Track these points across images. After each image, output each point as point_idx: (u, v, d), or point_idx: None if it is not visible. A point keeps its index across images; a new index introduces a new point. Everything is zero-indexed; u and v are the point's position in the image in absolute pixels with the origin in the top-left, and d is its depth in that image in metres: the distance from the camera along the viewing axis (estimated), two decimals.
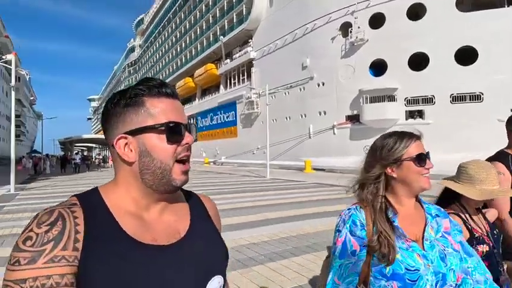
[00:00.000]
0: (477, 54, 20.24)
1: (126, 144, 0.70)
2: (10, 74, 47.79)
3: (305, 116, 28.23)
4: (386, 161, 1.14)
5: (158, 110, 0.70)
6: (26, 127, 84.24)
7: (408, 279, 1.05)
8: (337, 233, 1.14)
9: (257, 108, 34.92)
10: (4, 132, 66.62)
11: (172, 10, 58.63)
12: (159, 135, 0.70)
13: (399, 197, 1.17)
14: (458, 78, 20.41)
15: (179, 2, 55.17)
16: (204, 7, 46.50)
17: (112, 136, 0.72)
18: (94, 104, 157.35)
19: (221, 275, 0.79)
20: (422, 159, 1.14)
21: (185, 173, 0.73)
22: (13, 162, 13.24)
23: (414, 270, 1.05)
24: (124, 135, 0.70)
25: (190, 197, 0.86)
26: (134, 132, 0.70)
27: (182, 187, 0.79)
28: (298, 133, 28.57)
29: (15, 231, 6.28)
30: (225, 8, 40.89)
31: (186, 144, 0.72)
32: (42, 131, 35.68)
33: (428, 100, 21.86)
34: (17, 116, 75.62)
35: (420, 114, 22.25)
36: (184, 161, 0.73)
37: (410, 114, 22.55)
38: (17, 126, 77.32)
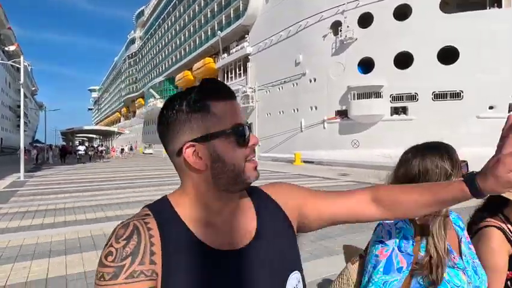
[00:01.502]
0: (458, 54, 21.34)
1: (194, 151, 0.68)
2: (13, 66, 48.62)
3: (297, 111, 29.40)
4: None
5: (223, 113, 0.68)
6: (28, 117, 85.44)
7: None
8: (380, 245, 1.06)
9: (252, 102, 36.10)
10: (7, 123, 67.81)
11: (172, 3, 59.36)
12: (229, 139, 0.68)
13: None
14: (440, 77, 21.54)
15: None
16: (202, 1, 47.36)
17: (176, 144, 0.70)
18: (95, 94, 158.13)
19: (297, 270, 0.78)
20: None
21: (256, 168, 0.73)
22: (22, 151, 14.54)
23: None
24: (191, 142, 0.68)
25: (253, 192, 0.84)
26: (202, 139, 0.68)
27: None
28: (290, 127, 29.79)
29: (31, 209, 7.62)
30: (223, 3, 41.77)
31: (253, 145, 0.71)
32: (46, 121, 36.86)
33: (412, 97, 23.03)
34: (19, 107, 76.79)
35: (404, 110, 23.44)
36: (254, 158, 0.73)
37: (395, 111, 23.73)
38: (19, 116, 78.45)
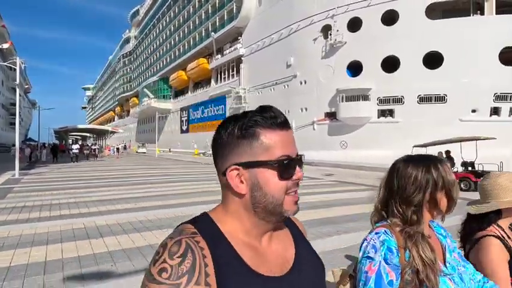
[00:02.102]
0: (443, 59, 22.12)
1: (238, 175, 0.71)
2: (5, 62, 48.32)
3: (288, 112, 29.93)
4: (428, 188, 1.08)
5: (272, 143, 0.69)
6: (21, 116, 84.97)
7: None
8: (367, 261, 1.05)
9: (245, 102, 36.69)
10: (0, 121, 67.46)
11: (167, 4, 59.73)
12: (272, 170, 0.69)
13: (426, 220, 1.13)
14: (425, 81, 22.31)
15: None
16: (196, 2, 47.86)
17: (224, 164, 0.72)
18: (89, 93, 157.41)
19: None
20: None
21: (296, 203, 0.73)
22: (17, 150, 14.94)
23: None
24: (236, 166, 0.70)
25: (287, 220, 0.83)
26: (247, 165, 0.70)
27: None
28: None
29: (28, 204, 8.12)
30: (217, 5, 42.32)
31: (297, 180, 0.72)
32: (39, 120, 37.05)
33: (398, 100, 23.77)
34: (12, 104, 76.45)
35: (390, 113, 24.19)
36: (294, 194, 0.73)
37: (382, 113, 24.47)
38: (12, 114, 78.07)
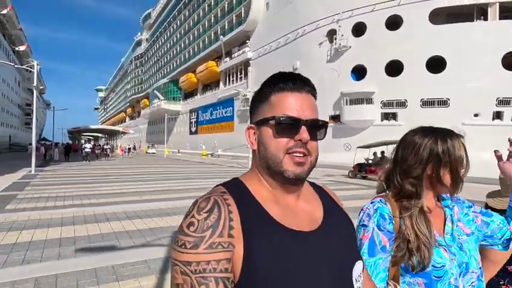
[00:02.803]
0: (446, 64, 22.44)
1: (254, 133, 0.78)
2: (22, 64, 50.34)
3: None
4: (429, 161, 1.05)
5: (277, 103, 0.74)
6: (36, 116, 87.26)
7: (434, 276, 1.03)
8: (362, 228, 1.07)
9: None
10: (16, 120, 69.59)
11: (177, 8, 61.03)
12: (272, 127, 0.73)
13: (430, 194, 1.11)
14: (428, 85, 22.65)
15: (183, 0, 57.58)
16: (206, 7, 48.89)
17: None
18: (101, 94, 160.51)
19: (360, 260, 0.82)
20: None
21: (299, 164, 0.73)
22: (34, 149, 15.91)
23: (441, 266, 1.03)
24: (252, 125, 0.78)
25: (316, 187, 0.89)
26: (257, 123, 0.76)
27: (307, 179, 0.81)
28: None
29: (43, 195, 8.92)
30: (226, 9, 43.23)
31: (299, 140, 0.72)
32: (54, 120, 38.36)
33: (401, 104, 24.14)
34: (27, 105, 78.83)
35: (394, 116, 24.56)
36: (298, 154, 0.73)
37: (385, 116, 24.86)
38: (27, 114, 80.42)
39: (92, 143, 67.63)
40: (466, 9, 23.69)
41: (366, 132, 25.28)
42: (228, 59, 43.49)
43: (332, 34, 26.97)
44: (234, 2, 41.10)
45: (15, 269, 3.77)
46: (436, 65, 22.57)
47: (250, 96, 37.39)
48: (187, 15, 56.93)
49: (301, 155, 0.73)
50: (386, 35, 24.26)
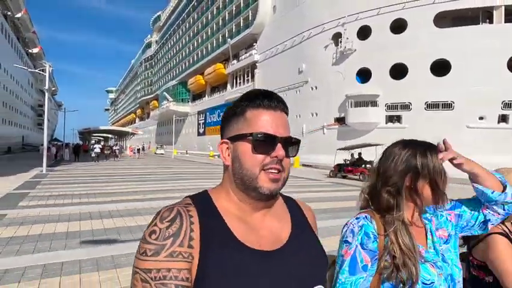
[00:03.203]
0: (450, 67, 22.51)
1: (227, 148, 0.78)
2: (35, 66, 51.63)
3: (300, 117, 30.89)
4: (408, 171, 1.05)
5: (254, 119, 0.75)
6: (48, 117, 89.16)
7: None
8: (344, 244, 1.05)
9: None
10: (29, 121, 71.16)
11: (186, 10, 61.92)
12: (248, 143, 0.73)
13: (411, 208, 1.10)
14: (432, 88, 22.75)
15: (192, 4, 58.41)
16: (214, 10, 49.60)
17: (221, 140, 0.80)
18: (112, 95, 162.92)
19: (322, 285, 0.79)
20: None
21: (274, 180, 0.74)
22: (45, 149, 16.57)
23: (430, 283, 1.01)
24: (226, 140, 0.78)
25: (289, 203, 0.88)
26: (232, 139, 0.77)
27: (281, 193, 0.83)
28: (293, 132, 30.86)
29: (53, 193, 9.44)
30: (233, 12, 43.82)
31: (275, 157, 0.73)
32: (65, 121, 39.33)
33: (406, 106, 24.27)
34: (40, 106, 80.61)
35: (398, 119, 24.69)
36: (273, 171, 0.73)
37: (390, 119, 25.00)
38: (39, 115, 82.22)
39: (101, 143, 68.91)
40: (472, 13, 23.71)
41: (371, 135, 25.41)
42: (235, 61, 44.03)
43: (337, 37, 27.23)
44: (242, 5, 41.64)
45: (26, 256, 4.23)
46: (441, 68, 22.66)
47: None
48: (195, 18, 57.73)
49: (276, 171, 0.74)
50: (391, 38, 24.43)
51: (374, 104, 25.28)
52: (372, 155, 15.03)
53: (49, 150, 24.13)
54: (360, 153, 18.27)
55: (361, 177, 15.85)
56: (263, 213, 0.80)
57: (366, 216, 1.09)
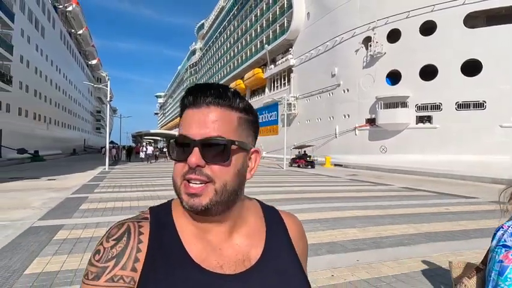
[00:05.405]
0: (481, 67, 22.68)
1: None
2: (93, 75, 58.06)
3: (333, 118, 32.20)
4: None
5: (181, 122, 0.64)
6: (105, 121, 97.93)
7: None
8: (503, 249, 0.94)
9: (295, 109, 39.54)
10: (89, 126, 78.97)
11: (227, 19, 65.28)
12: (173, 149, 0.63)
13: None
14: (463, 88, 23.06)
15: (233, 12, 61.57)
16: (253, 17, 52.15)
17: None
18: (161, 100, 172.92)
19: None
20: None
21: (191, 195, 0.60)
22: (107, 150, 19.86)
23: None
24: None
25: (270, 216, 0.75)
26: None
27: (263, 203, 0.75)
28: (327, 133, 32.70)
29: (117, 184, 12.12)
30: (270, 20, 45.99)
31: (189, 165, 0.60)
32: (120, 125, 43.87)
33: (436, 107, 24.69)
34: (98, 112, 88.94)
35: (429, 119, 25.15)
36: (192, 183, 0.60)
37: (420, 119, 25.52)
38: (97, 120, 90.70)
39: (152, 145, 74.50)
40: (505, 11, 23.56)
41: (402, 135, 26.14)
42: (272, 66, 46.09)
43: (367, 41, 28.19)
44: (278, 13, 43.66)
45: (107, 217, 6.61)
46: (471, 68, 22.87)
47: (292, 101, 39.67)
48: (236, 25, 60.78)
49: (197, 182, 0.60)
50: (420, 40, 24.99)
51: (404, 105, 25.94)
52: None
53: (110, 151, 27.88)
54: (305, 151, 28.08)
55: (302, 165, 25.97)
56: (225, 229, 0.67)
57: None
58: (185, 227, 0.66)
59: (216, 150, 0.61)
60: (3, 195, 9.63)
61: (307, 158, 26.33)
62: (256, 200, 0.79)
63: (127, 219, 0.67)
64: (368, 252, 4.53)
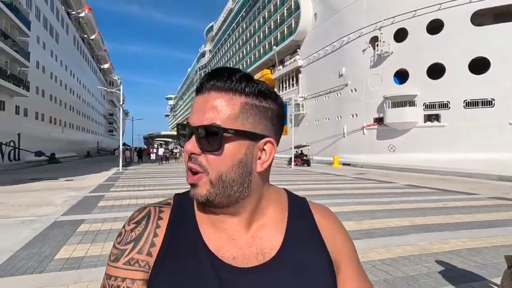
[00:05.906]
0: (489, 64, 22.68)
1: None
2: (106, 79, 59.44)
3: (341, 118, 32.44)
4: None
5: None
6: (117, 123, 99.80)
7: None
8: None
9: (303, 110, 39.86)
10: (101, 128, 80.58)
11: (236, 21, 65.99)
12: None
13: None
14: (471, 86, 23.09)
15: (241, 14, 62.24)
16: (261, 19, 52.70)
17: None
18: (171, 102, 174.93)
19: None
20: None
21: (191, 185, 0.60)
22: (121, 152, 20.60)
23: None
24: None
25: (295, 208, 0.69)
26: None
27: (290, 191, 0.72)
28: (335, 132, 32.95)
29: (130, 184, 12.74)
30: (278, 21, 46.44)
31: (186, 152, 0.59)
32: (133, 128, 44.88)
33: (444, 105, 24.74)
34: (110, 115, 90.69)
35: (437, 117, 25.20)
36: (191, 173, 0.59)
37: (428, 118, 25.58)
38: (110, 123, 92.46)
39: (163, 147, 75.68)
40: None
41: (410, 133, 26.23)
42: (281, 67, 46.50)
43: (374, 41, 28.37)
44: (285, 14, 44.07)
45: (123, 213, 7.17)
46: (479, 66, 22.87)
47: (300, 101, 40.01)
48: (244, 27, 61.43)
49: (194, 171, 0.59)
50: (427, 39, 25.08)
51: (411, 103, 26.05)
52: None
53: (124, 153, 28.74)
54: (302, 151, 30.17)
55: (298, 163, 27.69)
56: (241, 220, 0.64)
57: None
58: (203, 215, 0.65)
59: (210, 138, 0.57)
60: (27, 194, 10.34)
61: (304, 157, 28.57)
62: (285, 190, 0.74)
63: (151, 203, 0.68)
64: (361, 241, 4.94)
